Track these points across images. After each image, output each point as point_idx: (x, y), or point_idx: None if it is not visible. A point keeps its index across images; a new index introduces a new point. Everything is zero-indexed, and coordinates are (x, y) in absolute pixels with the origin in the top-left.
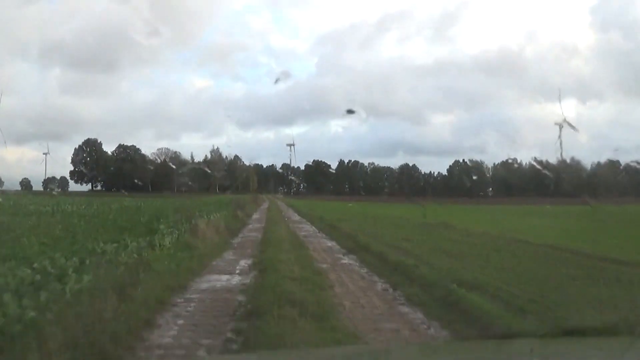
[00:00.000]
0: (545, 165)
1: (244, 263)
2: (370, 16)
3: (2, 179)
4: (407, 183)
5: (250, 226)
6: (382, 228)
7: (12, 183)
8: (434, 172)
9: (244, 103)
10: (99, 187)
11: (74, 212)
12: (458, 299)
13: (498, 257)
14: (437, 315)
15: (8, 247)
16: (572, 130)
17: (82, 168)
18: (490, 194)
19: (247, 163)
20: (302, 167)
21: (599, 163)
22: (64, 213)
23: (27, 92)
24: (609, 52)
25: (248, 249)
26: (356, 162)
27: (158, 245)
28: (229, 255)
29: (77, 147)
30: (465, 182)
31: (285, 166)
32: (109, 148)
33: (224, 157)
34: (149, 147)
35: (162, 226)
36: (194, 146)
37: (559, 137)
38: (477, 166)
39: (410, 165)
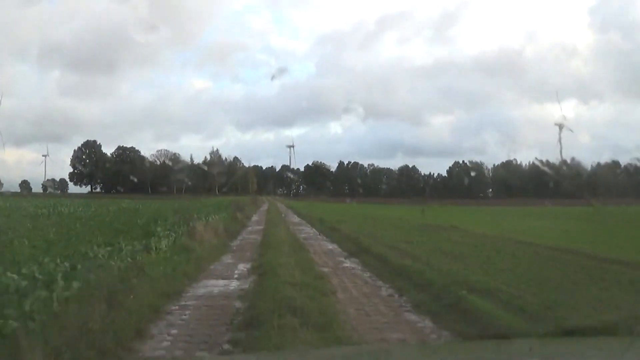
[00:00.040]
0: (546, 165)
1: (242, 267)
2: (370, 17)
3: (2, 181)
4: (407, 184)
5: (249, 228)
6: (383, 229)
7: (12, 185)
8: (433, 173)
9: (243, 104)
10: (98, 189)
11: (70, 214)
12: (469, 306)
13: (503, 259)
14: (448, 324)
15: None
16: (571, 132)
17: (81, 170)
18: (490, 195)
19: (246, 164)
20: (302, 169)
21: (599, 163)
22: (60, 215)
23: (26, 94)
24: (609, 52)
25: (247, 252)
26: (356, 164)
27: (154, 248)
28: (227, 258)
29: (76, 148)
30: (465, 183)
31: (285, 167)
32: (108, 150)
33: (224, 158)
34: (149, 148)
35: (159, 229)
36: (193, 147)
37: (559, 138)
38: (477, 167)
39: (410, 166)
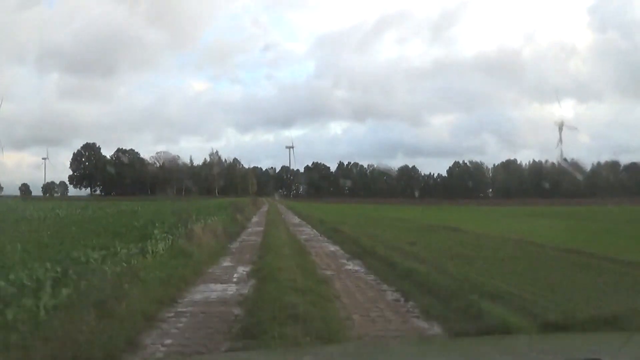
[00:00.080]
0: (545, 166)
1: (242, 270)
2: (369, 18)
3: (2, 185)
4: (407, 185)
5: (249, 230)
6: (385, 230)
7: (12, 188)
8: (433, 174)
9: (242, 105)
10: (98, 192)
11: (67, 217)
12: (480, 311)
13: (511, 261)
14: (459, 332)
15: None
16: (571, 131)
17: (81, 172)
18: (490, 195)
19: (246, 166)
20: (302, 170)
21: (598, 163)
22: (57, 218)
23: (25, 97)
24: (608, 52)
25: (247, 255)
26: (356, 164)
27: (150, 252)
28: (226, 261)
29: (75, 151)
30: (465, 183)
31: (285, 169)
32: (107, 152)
33: (223, 160)
34: (148, 150)
35: (156, 231)
36: (193, 149)
37: (560, 138)
38: (477, 167)
39: (410, 166)
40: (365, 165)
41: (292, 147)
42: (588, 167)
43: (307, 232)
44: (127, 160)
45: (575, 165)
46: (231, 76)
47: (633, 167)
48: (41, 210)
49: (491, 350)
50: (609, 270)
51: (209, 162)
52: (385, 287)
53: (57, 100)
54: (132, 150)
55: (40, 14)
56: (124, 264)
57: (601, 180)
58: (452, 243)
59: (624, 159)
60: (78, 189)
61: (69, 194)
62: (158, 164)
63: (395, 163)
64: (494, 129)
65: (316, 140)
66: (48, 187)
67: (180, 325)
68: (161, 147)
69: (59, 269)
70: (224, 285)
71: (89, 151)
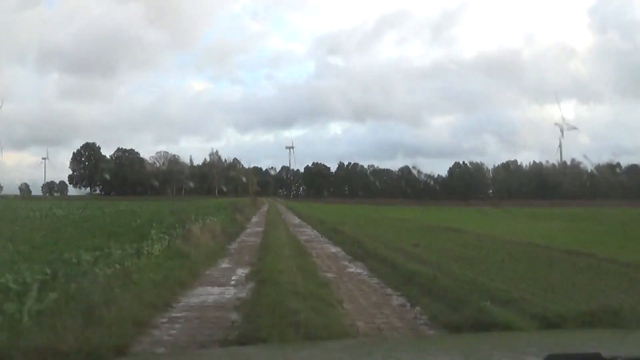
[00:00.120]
0: (546, 167)
1: (240, 272)
2: (369, 18)
3: (2, 184)
4: (407, 185)
5: (248, 230)
6: (386, 231)
7: (12, 188)
8: (433, 174)
9: (242, 105)
10: (97, 191)
11: (64, 216)
12: (493, 320)
13: (519, 264)
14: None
15: None
16: (572, 132)
17: (81, 172)
18: (490, 196)
19: (246, 166)
20: (302, 170)
21: (599, 164)
22: (54, 218)
23: (25, 97)
24: (608, 52)
25: (246, 256)
26: (355, 165)
27: (146, 252)
28: (224, 263)
29: (75, 151)
30: (465, 184)
31: (285, 169)
32: (107, 152)
33: (223, 160)
34: (148, 150)
35: (153, 231)
36: (193, 149)
37: (560, 139)
38: (477, 168)
39: (410, 167)
40: (366, 166)
41: (292, 147)
42: (588, 168)
43: (307, 232)
44: (127, 160)
45: (575, 166)
46: (231, 76)
47: (633, 169)
48: (38, 210)
49: (490, 347)
50: (616, 273)
51: (209, 162)
52: (389, 290)
53: (57, 100)
54: (132, 150)
55: (40, 13)
56: (117, 265)
57: (601, 181)
58: (454, 244)
59: (624, 161)
60: (78, 188)
61: (69, 193)
62: (158, 164)
63: (395, 163)
64: (494, 129)
65: (316, 140)
66: (48, 187)
67: (173, 332)
68: (161, 147)
69: (48, 271)
70: (222, 289)
71: (89, 151)
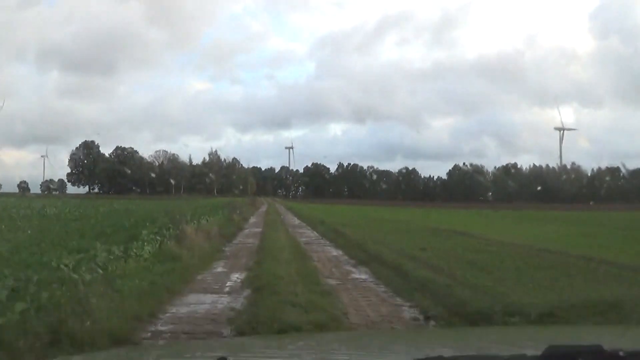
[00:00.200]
0: (546, 170)
1: (236, 277)
2: (369, 20)
3: (1, 182)
4: (407, 187)
5: (246, 231)
6: (389, 234)
7: (11, 186)
8: (433, 176)
9: (242, 105)
10: (96, 189)
11: (56, 215)
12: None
13: (536, 272)
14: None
15: None
16: (572, 136)
17: (80, 170)
18: (490, 199)
19: (245, 166)
20: (301, 170)
21: (599, 168)
22: (45, 217)
23: (25, 95)
24: (608, 57)
25: (242, 259)
26: (355, 165)
27: (134, 255)
28: (219, 266)
29: (74, 149)
30: (465, 187)
31: (284, 169)
32: (106, 150)
33: (223, 159)
34: (147, 149)
35: (144, 232)
36: (192, 149)
37: (560, 143)
38: (477, 170)
39: (410, 168)
40: (365, 167)
41: (292, 148)
42: (589, 172)
43: (307, 234)
44: (126, 158)
45: (575, 169)
46: (231, 76)
47: (634, 173)
48: (30, 209)
49: (488, 341)
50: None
51: (208, 161)
52: (399, 300)
53: (57, 98)
54: (131, 148)
55: (40, 12)
56: (99, 270)
57: (601, 185)
58: (463, 249)
59: (630, 164)
60: (77, 187)
61: (68, 192)
62: (157, 163)
63: (394, 165)
64: (494, 132)
65: (316, 141)
66: (47, 185)
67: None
68: (161, 146)
69: (22, 277)
70: (214, 297)
71: (88, 149)
